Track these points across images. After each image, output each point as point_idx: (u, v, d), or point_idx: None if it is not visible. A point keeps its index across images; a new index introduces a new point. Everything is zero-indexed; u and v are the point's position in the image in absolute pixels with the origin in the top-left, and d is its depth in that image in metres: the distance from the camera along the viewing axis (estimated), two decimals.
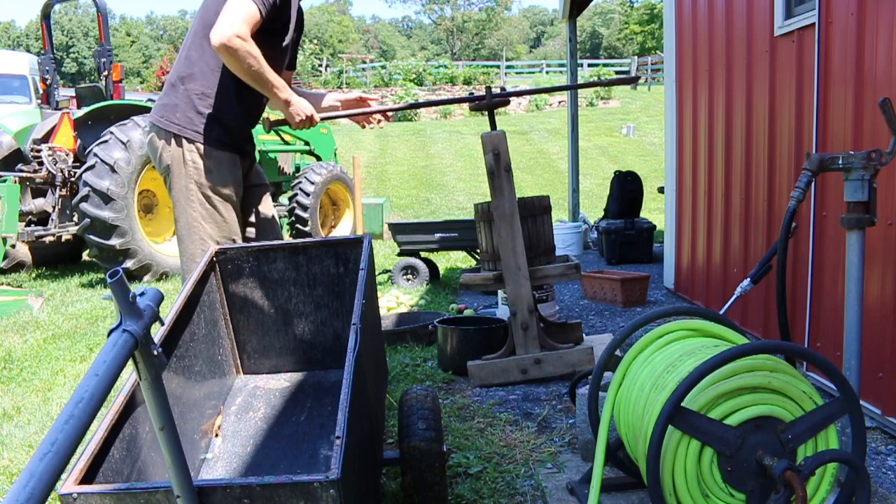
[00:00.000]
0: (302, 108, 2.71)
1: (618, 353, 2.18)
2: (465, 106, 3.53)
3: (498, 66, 33.48)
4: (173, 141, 2.65)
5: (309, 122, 2.74)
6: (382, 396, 2.52)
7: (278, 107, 2.74)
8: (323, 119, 2.93)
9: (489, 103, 3.31)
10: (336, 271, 2.47)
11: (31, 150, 7.09)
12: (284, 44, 2.75)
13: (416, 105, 3.68)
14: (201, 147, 2.65)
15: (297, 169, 9.02)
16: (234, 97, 2.67)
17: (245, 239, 2.87)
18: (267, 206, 2.99)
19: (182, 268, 2.77)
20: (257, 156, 3.04)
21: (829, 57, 3.03)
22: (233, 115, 2.71)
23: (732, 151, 4.31)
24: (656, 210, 10.71)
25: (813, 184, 2.29)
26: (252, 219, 2.94)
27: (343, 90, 3.42)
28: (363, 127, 3.19)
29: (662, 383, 1.76)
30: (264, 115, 2.91)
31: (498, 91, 3.37)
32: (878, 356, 2.67)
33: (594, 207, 12.44)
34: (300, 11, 2.84)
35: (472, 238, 5.96)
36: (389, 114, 3.24)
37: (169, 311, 2.01)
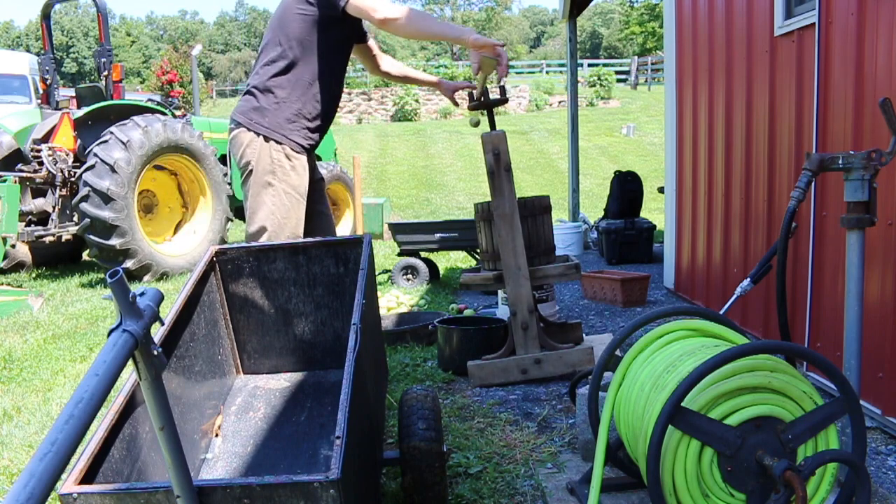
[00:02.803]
0: (489, 41, 2.86)
1: (618, 353, 2.17)
2: (465, 105, 3.55)
3: None
4: (261, 139, 2.88)
5: (496, 48, 2.86)
6: (382, 396, 2.52)
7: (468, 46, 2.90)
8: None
9: (488, 102, 3.31)
10: (336, 271, 2.47)
11: (31, 150, 7.09)
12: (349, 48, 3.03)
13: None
14: (287, 149, 2.89)
15: None
16: (317, 104, 2.94)
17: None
18: (325, 203, 3.24)
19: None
20: None
21: (829, 57, 3.03)
22: (314, 121, 2.97)
23: (732, 151, 4.31)
24: (656, 210, 10.71)
25: (813, 184, 2.29)
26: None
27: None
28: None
29: (662, 383, 1.76)
30: (469, 116, 3.27)
31: (497, 90, 3.37)
32: (878, 356, 2.67)
33: (594, 207, 12.44)
34: None
35: (472, 238, 5.96)
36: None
37: (169, 311, 2.01)
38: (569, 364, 3.32)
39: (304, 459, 2.11)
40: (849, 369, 2.02)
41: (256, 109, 2.91)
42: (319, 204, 3.19)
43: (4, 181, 6.28)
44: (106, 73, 7.49)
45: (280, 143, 2.88)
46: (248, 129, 2.89)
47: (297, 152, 2.93)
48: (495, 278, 3.41)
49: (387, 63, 3.33)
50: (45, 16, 7.78)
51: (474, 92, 3.22)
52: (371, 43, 3.21)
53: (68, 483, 1.38)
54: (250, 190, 2.92)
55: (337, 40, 2.92)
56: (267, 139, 2.87)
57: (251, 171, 2.90)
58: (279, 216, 2.88)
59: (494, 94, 3.32)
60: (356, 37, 3.08)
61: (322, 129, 3.04)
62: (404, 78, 3.41)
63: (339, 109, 3.39)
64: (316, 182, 3.15)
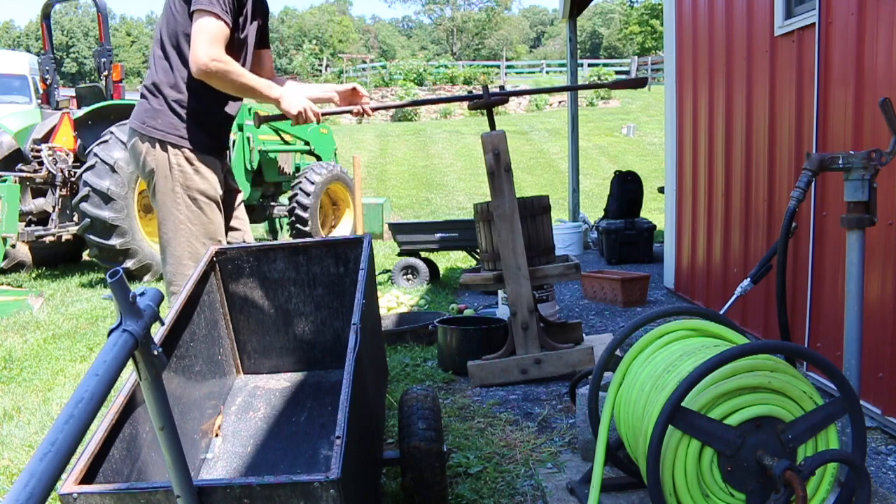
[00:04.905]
0: (296, 102, 2.73)
1: (618, 353, 2.17)
2: (465, 106, 3.54)
3: (498, 66, 33.48)
4: (158, 146, 2.68)
5: (305, 115, 2.74)
6: (382, 396, 2.52)
7: (274, 105, 2.78)
8: (324, 115, 2.93)
9: (487, 102, 3.31)
10: (336, 271, 2.47)
11: (32, 150, 7.09)
12: (243, 35, 2.76)
13: (416, 103, 3.67)
14: (186, 151, 2.69)
15: (297, 169, 9.02)
16: (212, 102, 2.74)
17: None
18: (241, 211, 3.04)
19: (167, 270, 2.78)
20: (248, 157, 3.09)
21: (830, 57, 3.03)
22: (213, 119, 2.78)
23: (732, 151, 4.31)
24: (656, 210, 10.71)
25: (813, 184, 2.29)
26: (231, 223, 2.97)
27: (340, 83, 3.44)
28: (357, 116, 3.22)
29: (662, 383, 1.76)
30: (255, 110, 2.94)
31: (496, 90, 3.37)
32: (878, 356, 2.67)
33: (594, 207, 12.43)
34: None
35: (472, 238, 5.96)
36: (389, 111, 3.31)
37: (169, 311, 2.01)
38: (569, 364, 3.32)
39: (304, 459, 2.11)
40: (849, 369, 2.02)
41: (147, 111, 2.71)
42: (229, 220, 2.97)
43: (4, 181, 6.28)
44: (106, 73, 7.49)
45: (178, 147, 2.68)
46: (143, 136, 2.70)
47: (200, 152, 2.72)
48: (495, 278, 3.41)
49: (274, 76, 3.05)
50: (45, 16, 7.79)
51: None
52: (266, 54, 2.98)
53: (68, 483, 1.38)
54: (157, 201, 2.75)
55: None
56: (164, 144, 2.68)
57: (155, 181, 2.72)
58: (189, 225, 2.71)
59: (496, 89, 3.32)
60: (254, 32, 2.85)
61: (223, 125, 2.84)
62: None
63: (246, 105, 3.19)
64: (228, 193, 2.93)
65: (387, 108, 3.40)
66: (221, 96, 2.73)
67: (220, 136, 2.85)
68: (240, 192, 3.06)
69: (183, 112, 2.69)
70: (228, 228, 2.95)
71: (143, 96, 2.75)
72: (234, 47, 2.70)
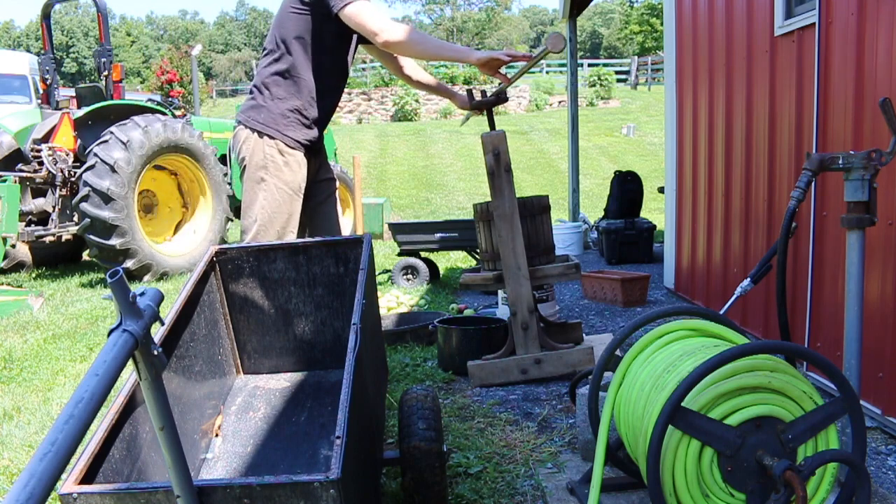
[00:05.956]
0: (493, 55, 2.88)
1: (618, 353, 2.17)
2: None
3: None
4: (255, 135, 2.93)
5: (499, 61, 2.89)
6: (382, 396, 2.52)
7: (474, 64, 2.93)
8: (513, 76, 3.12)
9: (488, 103, 3.32)
10: (336, 271, 2.47)
11: (32, 149, 7.09)
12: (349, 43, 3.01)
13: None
14: (280, 144, 2.93)
15: None
16: (312, 101, 2.96)
17: (301, 234, 3.14)
18: (330, 204, 3.23)
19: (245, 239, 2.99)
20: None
21: (830, 57, 3.03)
22: (310, 118, 2.98)
23: (732, 151, 4.31)
24: (656, 210, 10.71)
25: (813, 184, 2.29)
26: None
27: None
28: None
29: (662, 383, 1.76)
30: (463, 114, 3.42)
31: (493, 90, 3.38)
32: (878, 356, 2.67)
33: (594, 207, 12.43)
34: None
35: (472, 238, 5.96)
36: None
37: (169, 311, 2.01)
38: (569, 364, 3.32)
39: (304, 459, 2.11)
40: (849, 369, 2.02)
41: (254, 107, 2.97)
42: (325, 204, 3.21)
43: (4, 181, 6.28)
44: (106, 73, 7.49)
45: (273, 139, 2.91)
46: (245, 126, 2.96)
47: (293, 147, 2.95)
48: (495, 278, 3.41)
49: (410, 68, 3.32)
50: (45, 16, 7.78)
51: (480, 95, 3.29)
52: None
53: (68, 483, 1.38)
54: (245, 185, 2.99)
55: (333, 38, 2.92)
56: (261, 135, 2.92)
57: (245, 166, 2.97)
58: (269, 210, 2.92)
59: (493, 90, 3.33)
60: (360, 35, 3.06)
61: (320, 126, 3.05)
62: (423, 85, 3.37)
63: (339, 109, 3.41)
64: (321, 182, 3.18)
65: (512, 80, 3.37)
66: (323, 99, 2.99)
67: (315, 136, 3.04)
68: (335, 181, 3.28)
69: (284, 109, 2.93)
70: (320, 213, 3.19)
71: (251, 92, 3.03)
72: (344, 36, 2.94)
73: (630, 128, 22.50)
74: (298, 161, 2.98)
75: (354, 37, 3.01)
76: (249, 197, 2.96)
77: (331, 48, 2.94)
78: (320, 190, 3.18)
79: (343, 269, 2.47)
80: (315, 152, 3.10)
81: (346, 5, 2.75)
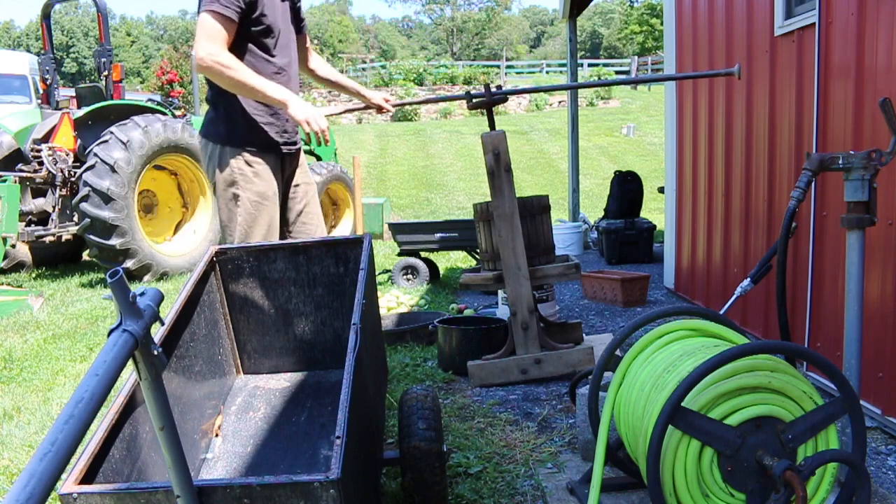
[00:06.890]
0: (305, 109, 2.69)
1: (618, 353, 2.17)
2: (464, 105, 3.56)
3: (498, 66, 33.47)
4: (219, 149, 2.83)
5: (313, 125, 2.69)
6: (382, 396, 2.52)
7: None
8: (329, 115, 2.98)
9: (488, 101, 3.31)
10: (336, 271, 2.47)
11: (32, 150, 7.09)
12: (267, 20, 2.78)
13: (414, 102, 3.75)
14: (245, 155, 2.82)
15: None
16: (260, 103, 2.82)
17: (284, 237, 3.05)
18: (313, 206, 3.11)
19: None
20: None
21: (830, 57, 3.03)
22: (269, 114, 2.85)
23: (732, 151, 4.31)
24: (656, 210, 10.71)
25: (813, 184, 2.29)
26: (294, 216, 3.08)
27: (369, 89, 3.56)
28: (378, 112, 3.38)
29: (662, 383, 1.76)
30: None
31: (495, 89, 3.37)
32: (878, 356, 2.67)
33: (594, 207, 12.43)
34: None
35: (472, 238, 5.96)
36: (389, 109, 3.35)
37: (169, 311, 2.01)
38: (569, 364, 3.32)
39: (304, 459, 2.11)
40: (849, 369, 2.02)
41: (212, 120, 2.87)
42: (301, 203, 3.07)
43: (4, 181, 6.28)
44: (106, 73, 7.49)
45: (238, 150, 2.80)
46: (209, 141, 2.86)
47: (258, 155, 2.83)
48: (495, 278, 3.41)
49: (315, 62, 3.23)
50: (45, 16, 7.78)
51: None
52: (305, 36, 3.11)
53: (68, 483, 1.38)
54: (219, 202, 2.89)
55: (248, 33, 2.74)
56: (224, 148, 2.82)
57: (215, 182, 2.87)
58: (246, 227, 2.83)
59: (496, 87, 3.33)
60: (284, 14, 2.90)
61: (283, 119, 2.88)
62: (329, 82, 3.29)
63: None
64: (297, 187, 3.04)
65: (403, 105, 3.47)
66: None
67: (282, 127, 2.90)
68: (312, 184, 3.15)
69: (239, 117, 2.80)
70: (299, 222, 3.06)
71: (208, 106, 2.91)
72: (262, 33, 2.78)
73: (630, 128, 22.50)
74: (268, 167, 2.86)
75: (280, 10, 2.84)
76: (226, 216, 2.87)
77: (254, 37, 2.76)
78: (297, 198, 3.05)
79: (343, 269, 2.47)
80: (290, 156, 2.98)
81: (199, 11, 2.65)
